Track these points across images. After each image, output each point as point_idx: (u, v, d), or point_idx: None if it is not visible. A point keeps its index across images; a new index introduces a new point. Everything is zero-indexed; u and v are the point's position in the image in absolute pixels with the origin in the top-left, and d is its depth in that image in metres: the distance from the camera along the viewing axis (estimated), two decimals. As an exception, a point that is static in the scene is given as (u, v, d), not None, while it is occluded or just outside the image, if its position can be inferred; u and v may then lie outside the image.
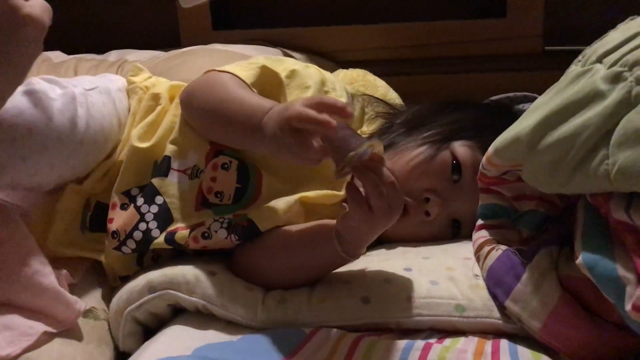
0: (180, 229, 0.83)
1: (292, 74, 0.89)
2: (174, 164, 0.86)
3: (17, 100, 0.77)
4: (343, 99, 0.91)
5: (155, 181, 0.85)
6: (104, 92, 0.90)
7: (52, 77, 0.85)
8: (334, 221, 0.76)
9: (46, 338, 0.69)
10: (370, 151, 0.68)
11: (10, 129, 0.76)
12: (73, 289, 0.80)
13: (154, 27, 1.70)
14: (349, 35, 1.56)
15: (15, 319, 0.67)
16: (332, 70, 1.27)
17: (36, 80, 0.81)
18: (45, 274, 0.73)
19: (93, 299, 0.82)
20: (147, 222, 0.84)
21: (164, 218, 0.84)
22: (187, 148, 0.86)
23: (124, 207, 0.85)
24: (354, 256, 0.77)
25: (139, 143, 0.87)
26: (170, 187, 0.85)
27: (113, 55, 1.47)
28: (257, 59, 0.92)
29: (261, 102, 0.77)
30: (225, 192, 0.85)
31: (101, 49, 1.51)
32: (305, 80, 0.89)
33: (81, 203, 0.88)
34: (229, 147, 0.86)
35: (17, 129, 0.76)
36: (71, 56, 1.45)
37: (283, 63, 0.91)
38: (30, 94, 0.79)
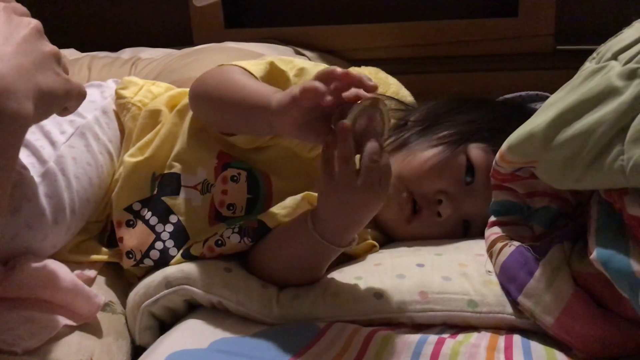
0: (194, 243, 0.83)
1: (301, 72, 0.88)
2: (184, 181, 0.86)
3: None
4: None
5: (167, 200, 0.85)
6: (85, 129, 0.86)
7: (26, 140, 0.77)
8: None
9: (66, 331, 0.70)
10: (365, 106, 0.67)
11: None
12: (90, 284, 0.81)
13: (167, 26, 1.71)
14: (360, 34, 1.57)
15: (37, 313, 0.68)
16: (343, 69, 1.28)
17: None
18: (64, 271, 0.74)
19: (110, 293, 0.83)
20: (164, 241, 0.84)
21: (181, 237, 0.84)
22: (195, 164, 0.86)
23: (129, 223, 0.85)
24: (336, 243, 0.75)
25: (134, 158, 0.87)
26: (183, 204, 0.85)
27: (126, 52, 1.48)
28: (266, 58, 0.90)
29: (266, 86, 0.77)
30: (237, 204, 0.85)
31: (114, 47, 1.52)
32: None
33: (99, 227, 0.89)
34: (235, 158, 0.86)
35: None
36: (85, 54, 1.46)
37: (291, 62, 0.90)
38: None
